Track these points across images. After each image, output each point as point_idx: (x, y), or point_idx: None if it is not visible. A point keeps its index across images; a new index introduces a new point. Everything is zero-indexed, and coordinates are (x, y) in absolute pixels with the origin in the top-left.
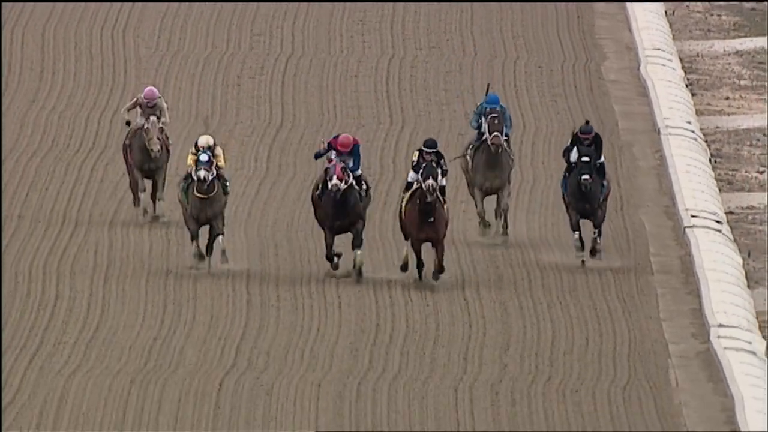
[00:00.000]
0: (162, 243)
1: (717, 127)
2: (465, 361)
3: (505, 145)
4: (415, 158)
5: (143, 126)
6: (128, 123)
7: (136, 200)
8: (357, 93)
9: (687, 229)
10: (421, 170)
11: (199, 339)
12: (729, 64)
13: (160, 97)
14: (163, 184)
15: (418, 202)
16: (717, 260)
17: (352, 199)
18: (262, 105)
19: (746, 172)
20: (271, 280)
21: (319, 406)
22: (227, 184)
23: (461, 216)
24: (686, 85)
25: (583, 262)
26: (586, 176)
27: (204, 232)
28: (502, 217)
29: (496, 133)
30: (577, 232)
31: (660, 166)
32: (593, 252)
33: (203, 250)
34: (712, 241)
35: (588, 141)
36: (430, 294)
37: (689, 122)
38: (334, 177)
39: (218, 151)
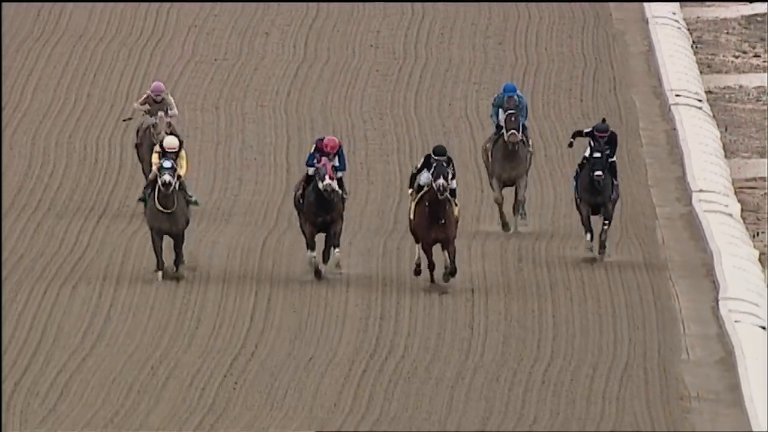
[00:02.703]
0: None
1: (698, 17)
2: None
3: (522, 139)
4: (419, 164)
5: (153, 124)
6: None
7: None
8: None
9: (672, 107)
10: (432, 170)
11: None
12: None
13: (166, 91)
14: None
15: (427, 204)
16: (698, 134)
17: (335, 197)
18: None
19: (723, 56)
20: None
21: (348, 311)
22: (191, 196)
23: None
24: None
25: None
26: (599, 172)
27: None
28: (521, 209)
29: (512, 131)
30: (589, 234)
31: (648, 51)
32: (602, 246)
33: (166, 262)
34: (694, 116)
35: (604, 139)
36: None
37: (674, 13)
38: (326, 177)
39: (182, 156)
